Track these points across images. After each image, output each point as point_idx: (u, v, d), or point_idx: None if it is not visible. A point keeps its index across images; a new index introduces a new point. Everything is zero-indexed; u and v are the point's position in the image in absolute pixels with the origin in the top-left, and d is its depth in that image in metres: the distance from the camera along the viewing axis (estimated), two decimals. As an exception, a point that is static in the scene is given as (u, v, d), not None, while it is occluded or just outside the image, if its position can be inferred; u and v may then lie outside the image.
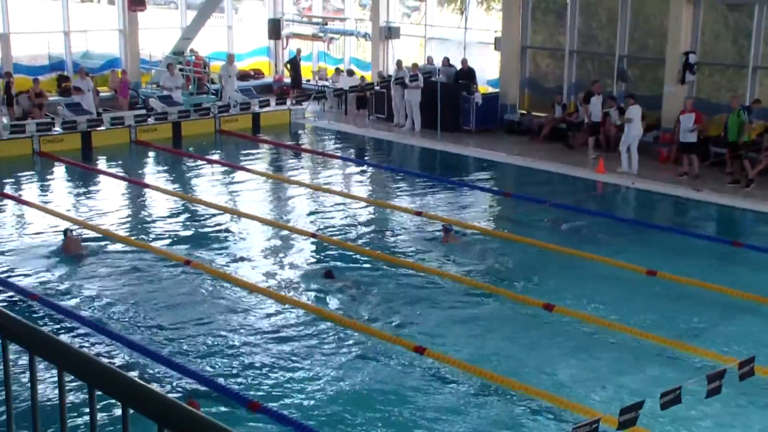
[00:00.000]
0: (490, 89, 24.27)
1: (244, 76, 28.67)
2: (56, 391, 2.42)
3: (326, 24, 28.50)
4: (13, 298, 11.84)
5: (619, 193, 17.90)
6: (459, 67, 23.71)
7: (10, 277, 12.66)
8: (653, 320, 11.26)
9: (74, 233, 13.90)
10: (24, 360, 2.47)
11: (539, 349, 10.53)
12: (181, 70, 24.84)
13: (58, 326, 10.93)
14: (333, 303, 11.94)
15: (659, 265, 12.95)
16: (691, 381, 8.20)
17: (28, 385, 2.48)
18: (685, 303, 12.00)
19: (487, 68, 24.79)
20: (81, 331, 10.85)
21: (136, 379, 2.20)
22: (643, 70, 21.86)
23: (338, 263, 13.36)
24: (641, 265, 13.05)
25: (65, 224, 14.95)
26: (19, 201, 16.73)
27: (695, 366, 9.88)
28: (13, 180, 18.54)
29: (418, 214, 15.94)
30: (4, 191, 17.45)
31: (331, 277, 12.67)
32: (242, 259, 13.63)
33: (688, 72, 19.90)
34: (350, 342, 10.65)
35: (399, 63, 24.04)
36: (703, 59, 20.24)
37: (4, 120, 21.19)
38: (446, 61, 24.09)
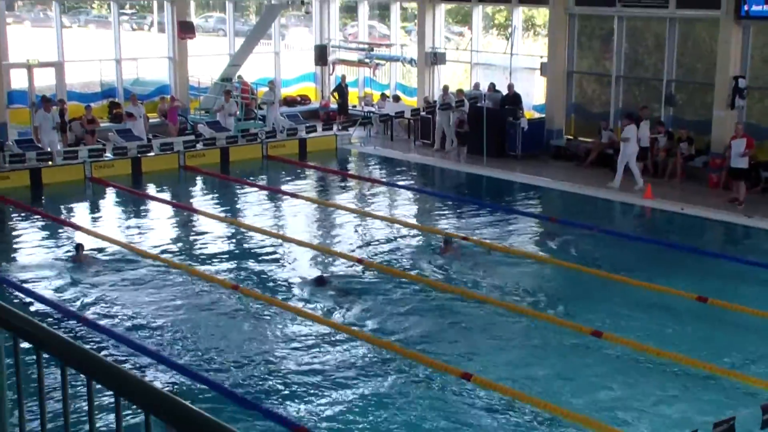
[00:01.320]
0: (536, 114, 24.23)
1: (290, 101, 28.96)
2: (111, 416, 2.45)
3: (372, 50, 28.70)
4: (63, 320, 12.02)
5: (667, 218, 17.72)
6: (505, 92, 23.72)
7: (62, 300, 12.86)
8: (705, 348, 11.11)
9: (84, 250, 14.66)
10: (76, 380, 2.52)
11: (588, 376, 10.43)
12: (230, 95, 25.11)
13: (110, 350, 11.07)
14: (371, 325, 11.93)
15: (710, 292, 12.79)
16: (746, 411, 8.07)
17: (86, 410, 2.53)
18: (737, 330, 11.83)
19: (533, 93, 24.76)
20: (123, 352, 10.98)
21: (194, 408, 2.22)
22: (692, 94, 21.69)
23: (384, 287, 13.38)
24: (692, 291, 12.89)
25: (115, 248, 15.20)
26: (71, 225, 16.99)
27: (749, 396, 9.72)
28: (65, 205, 18.87)
29: (465, 239, 15.91)
30: (59, 216, 17.78)
31: (322, 284, 13.26)
32: (289, 283, 13.71)
33: (737, 97, 19.70)
34: (392, 366, 10.64)
35: (445, 88, 24.12)
36: (753, 84, 20.03)
37: (59, 146, 21.61)
38: (492, 87, 24.12)
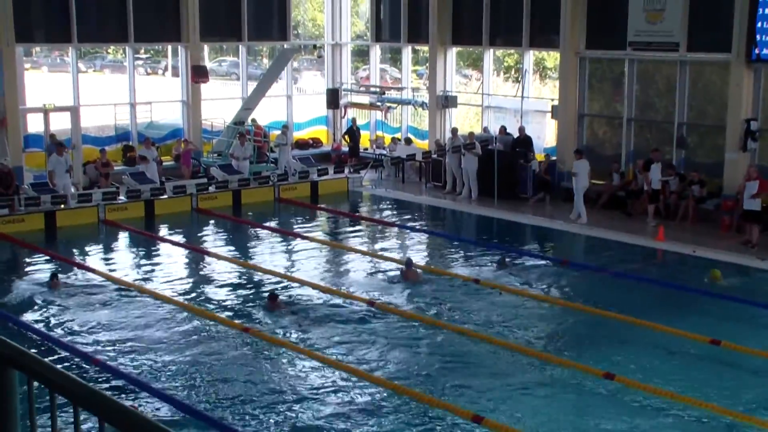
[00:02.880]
0: (551, 157, 24.29)
1: (302, 144, 29.16)
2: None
3: (384, 93, 28.94)
4: (77, 363, 12.05)
5: (679, 261, 17.68)
6: (516, 135, 23.83)
7: (75, 342, 12.89)
8: (718, 391, 11.04)
9: (59, 278, 15.57)
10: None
11: (599, 418, 10.36)
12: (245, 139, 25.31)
13: (122, 392, 11.08)
14: (390, 370, 11.91)
15: (723, 335, 12.71)
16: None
17: None
18: (751, 374, 11.74)
19: (544, 136, 24.87)
20: (136, 393, 10.98)
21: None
22: (703, 137, 21.75)
23: (398, 331, 13.37)
24: (704, 334, 12.82)
25: (127, 291, 15.27)
26: (83, 267, 17.07)
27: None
28: (78, 248, 18.98)
29: (476, 282, 15.90)
30: (71, 259, 17.89)
31: (273, 300, 14.19)
32: (299, 326, 13.71)
33: (750, 139, 19.74)
34: (411, 411, 10.60)
35: (454, 131, 24.27)
36: (765, 126, 20.07)
37: (72, 189, 21.79)
38: (503, 130, 24.24)
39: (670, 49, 21.24)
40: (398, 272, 16.18)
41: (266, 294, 14.83)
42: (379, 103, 28.65)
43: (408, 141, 27.32)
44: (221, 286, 15.98)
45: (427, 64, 27.56)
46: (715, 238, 18.77)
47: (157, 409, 10.64)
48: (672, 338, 12.92)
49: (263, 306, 14.56)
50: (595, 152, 23.57)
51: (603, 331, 13.42)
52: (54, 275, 15.65)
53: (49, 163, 22.01)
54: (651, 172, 20.22)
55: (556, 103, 23.85)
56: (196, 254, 18.41)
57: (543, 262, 17.85)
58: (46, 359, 2.81)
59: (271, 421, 10.39)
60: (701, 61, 21.33)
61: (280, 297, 14.68)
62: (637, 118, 22.61)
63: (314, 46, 28.70)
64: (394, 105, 28.75)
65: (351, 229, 21.20)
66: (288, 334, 13.33)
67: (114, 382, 11.45)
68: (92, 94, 26.67)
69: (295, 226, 21.07)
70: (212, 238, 20.57)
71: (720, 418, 10.28)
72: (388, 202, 23.73)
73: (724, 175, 20.29)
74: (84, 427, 2.76)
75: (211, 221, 21.70)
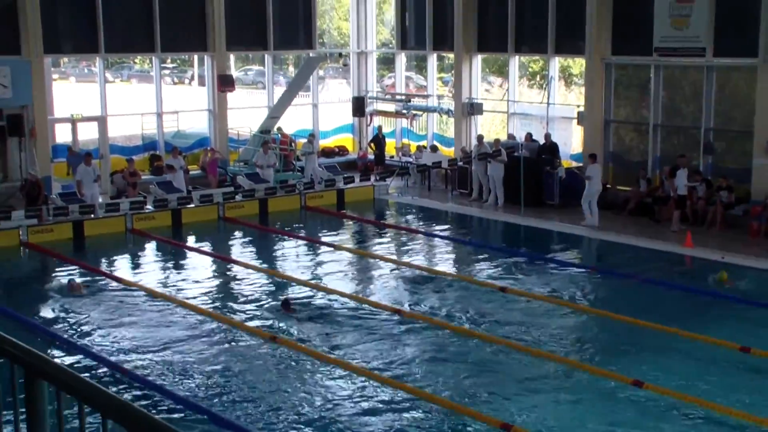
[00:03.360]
0: (574, 163, 24.22)
1: (328, 152, 29.23)
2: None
3: (409, 101, 28.96)
4: (107, 373, 12.13)
5: (708, 267, 17.52)
6: (542, 141, 23.76)
7: (103, 351, 12.98)
8: (749, 398, 10.93)
9: (76, 281, 16.30)
10: None
11: (628, 426, 10.29)
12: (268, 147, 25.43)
13: (149, 400, 11.15)
14: (417, 377, 11.90)
15: (753, 342, 12.60)
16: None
17: None
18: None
19: (570, 143, 24.78)
20: (168, 403, 11.04)
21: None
22: (730, 142, 21.58)
23: (425, 339, 13.36)
24: (734, 341, 12.70)
25: (155, 300, 15.38)
26: (112, 277, 17.20)
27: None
28: (106, 257, 19.12)
29: (503, 290, 15.86)
30: (99, 268, 18.03)
31: (287, 308, 14.49)
32: (327, 334, 13.72)
33: (777, 144, 19.57)
34: (439, 419, 10.59)
35: (480, 138, 24.24)
36: (793, 131, 19.90)
37: (100, 199, 21.99)
38: (529, 137, 24.18)
39: (697, 55, 21.10)
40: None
41: (291, 301, 14.88)
42: (404, 111, 28.67)
43: (434, 148, 27.32)
44: (248, 295, 16.03)
45: (453, 72, 27.55)
46: (743, 244, 18.61)
47: (184, 417, 10.69)
48: (701, 345, 12.82)
49: (287, 314, 14.59)
50: (621, 158, 23.48)
51: (631, 338, 13.33)
52: (70, 281, 16.19)
53: (77, 173, 22.22)
54: (677, 178, 20.09)
55: (582, 109, 23.76)
56: (223, 263, 18.49)
57: (570, 269, 17.75)
58: (73, 370, 2.84)
59: (302, 428, 10.40)
60: (728, 66, 21.19)
61: (293, 304, 14.86)
62: (663, 124, 22.48)
63: (340, 55, 28.77)
64: (420, 112, 28.76)
65: (377, 236, 21.22)
66: (315, 343, 13.34)
67: (141, 392, 11.51)
68: (119, 103, 26.92)
69: (321, 235, 21.11)
70: (239, 247, 20.66)
71: (752, 427, 10.17)
72: (414, 210, 23.73)
73: (752, 181, 20.13)
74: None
75: (238, 230, 21.80)
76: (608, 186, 23.16)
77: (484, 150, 23.55)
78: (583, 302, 15.50)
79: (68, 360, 12.51)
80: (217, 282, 17.26)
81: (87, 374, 11.83)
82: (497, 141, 23.92)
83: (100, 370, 12.23)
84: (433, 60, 28.70)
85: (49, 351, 12.74)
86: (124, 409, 2.55)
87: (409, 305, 15.09)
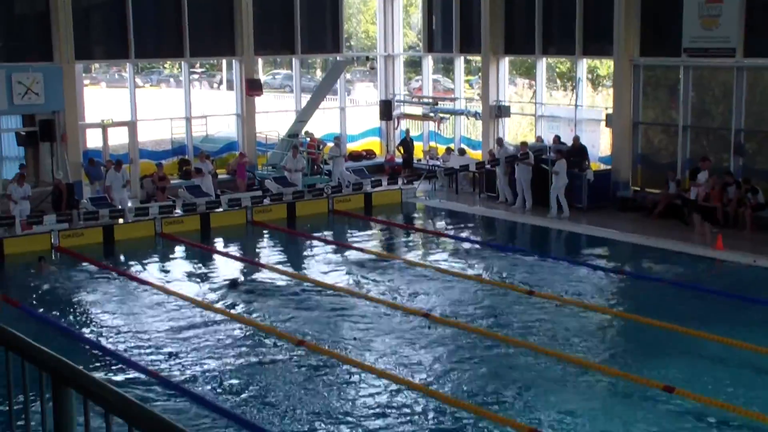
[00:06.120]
0: (602, 166, 24.08)
1: (356, 156, 29.28)
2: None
3: (437, 104, 28.94)
4: (133, 376, 12.23)
5: (739, 270, 17.35)
6: (570, 144, 23.64)
7: (128, 353, 13.08)
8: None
9: (45, 261, 18.08)
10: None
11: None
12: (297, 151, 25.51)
13: (171, 402, 11.22)
14: (445, 382, 11.88)
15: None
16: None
17: None
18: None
19: (599, 145, 24.64)
20: (193, 407, 11.10)
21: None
22: (762, 143, 21.36)
23: (454, 343, 13.34)
24: (765, 345, 12.57)
25: (182, 303, 15.47)
26: (141, 281, 17.33)
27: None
28: (136, 261, 19.26)
29: (531, 293, 15.79)
30: (128, 272, 18.18)
31: (234, 286, 15.71)
32: (354, 339, 13.74)
33: (809, 145, 19.35)
34: (467, 424, 10.56)
35: (499, 141, 24.27)
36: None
37: (129, 203, 22.18)
38: (557, 139, 24.07)
39: (727, 55, 20.90)
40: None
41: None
42: (432, 114, 28.66)
43: (461, 151, 27.29)
44: (276, 298, 16.07)
45: (480, 74, 27.50)
46: (776, 247, 18.40)
47: (215, 424, 10.75)
48: (733, 350, 12.70)
49: (315, 318, 14.63)
50: (650, 160, 23.31)
51: (662, 343, 13.22)
52: (41, 258, 17.80)
53: (106, 178, 22.43)
54: (696, 180, 19.90)
55: (610, 111, 23.62)
56: (252, 266, 18.56)
57: (600, 272, 17.64)
58: (101, 376, 2.86)
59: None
60: (759, 66, 20.97)
61: (240, 283, 16.58)
62: (693, 126, 22.29)
63: (367, 58, 28.82)
64: (447, 115, 28.73)
65: (405, 240, 21.20)
66: (343, 347, 13.36)
67: (169, 395, 11.59)
68: (149, 108, 27.12)
69: (349, 238, 21.13)
70: (267, 251, 20.73)
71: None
72: (441, 213, 23.69)
73: (784, 183, 19.92)
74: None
75: (266, 233, 21.88)
76: (637, 189, 23.02)
77: (504, 153, 23.53)
78: (612, 305, 15.40)
79: (95, 364, 12.62)
80: (245, 286, 17.23)
81: (117, 378, 11.95)
82: (524, 144, 23.82)
83: (128, 374, 12.32)
84: (460, 62, 28.66)
85: (76, 357, 12.86)
86: (152, 419, 2.56)
87: (437, 309, 15.04)
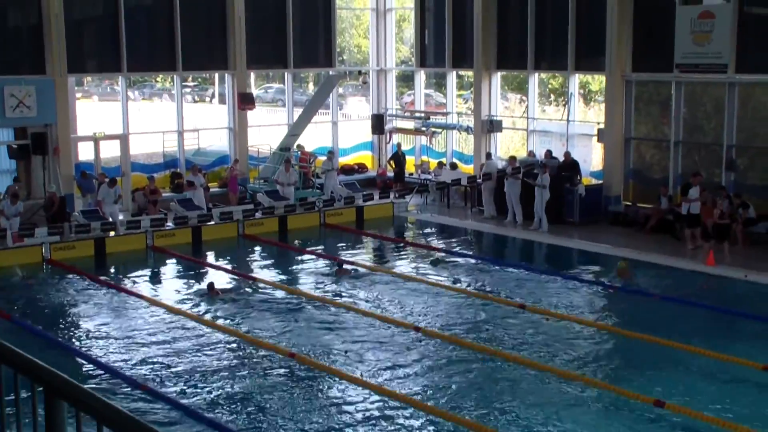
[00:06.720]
0: (594, 181, 24.15)
1: (348, 170, 29.29)
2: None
3: (429, 118, 29.00)
4: (124, 388, 12.17)
5: (731, 285, 17.38)
6: (562, 159, 23.70)
7: (117, 365, 13.03)
8: (771, 419, 10.82)
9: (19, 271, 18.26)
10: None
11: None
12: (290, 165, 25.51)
13: (162, 415, 11.17)
14: (436, 395, 11.86)
15: (776, 361, 12.48)
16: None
17: None
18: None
19: (591, 160, 24.72)
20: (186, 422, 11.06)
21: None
22: (753, 159, 21.44)
23: (444, 357, 13.32)
24: (756, 360, 12.58)
25: (173, 316, 15.43)
26: (132, 293, 17.27)
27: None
28: (128, 274, 19.21)
29: (522, 307, 15.80)
30: (119, 284, 18.12)
31: (212, 291, 16.08)
32: (346, 351, 13.71)
33: (800, 161, 19.43)
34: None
35: (488, 155, 24.32)
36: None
37: (120, 216, 22.14)
38: (549, 154, 24.13)
39: (718, 71, 21.01)
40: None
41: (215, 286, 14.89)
42: (424, 128, 28.72)
43: (453, 166, 27.32)
44: (267, 312, 16.04)
45: (472, 89, 27.58)
46: (767, 262, 18.43)
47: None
48: (723, 365, 12.71)
49: (307, 331, 14.60)
50: (642, 175, 23.38)
51: (652, 357, 13.22)
52: (211, 285, 17.13)
53: (99, 192, 22.40)
54: (689, 195, 19.95)
55: (602, 126, 23.70)
56: (243, 280, 18.52)
57: (590, 286, 17.67)
58: (92, 388, 2.85)
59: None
60: (750, 82, 21.08)
61: (216, 286, 16.78)
62: (684, 141, 22.37)
63: (359, 72, 28.87)
64: (439, 130, 28.79)
65: (396, 254, 21.20)
66: (334, 360, 13.33)
67: (160, 408, 11.54)
68: (141, 121, 27.09)
69: (340, 252, 21.11)
70: (258, 264, 20.69)
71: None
72: (433, 227, 23.70)
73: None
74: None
75: (258, 247, 21.84)
76: (628, 204, 23.08)
77: (492, 168, 23.64)
78: (602, 320, 15.41)
79: (87, 376, 12.57)
80: (236, 299, 17.19)
81: (107, 391, 11.89)
82: (513, 159, 23.86)
83: (120, 386, 12.26)
84: (452, 77, 28.75)
85: (66, 369, 12.80)
86: (143, 431, 2.55)
87: (428, 322, 15.03)
